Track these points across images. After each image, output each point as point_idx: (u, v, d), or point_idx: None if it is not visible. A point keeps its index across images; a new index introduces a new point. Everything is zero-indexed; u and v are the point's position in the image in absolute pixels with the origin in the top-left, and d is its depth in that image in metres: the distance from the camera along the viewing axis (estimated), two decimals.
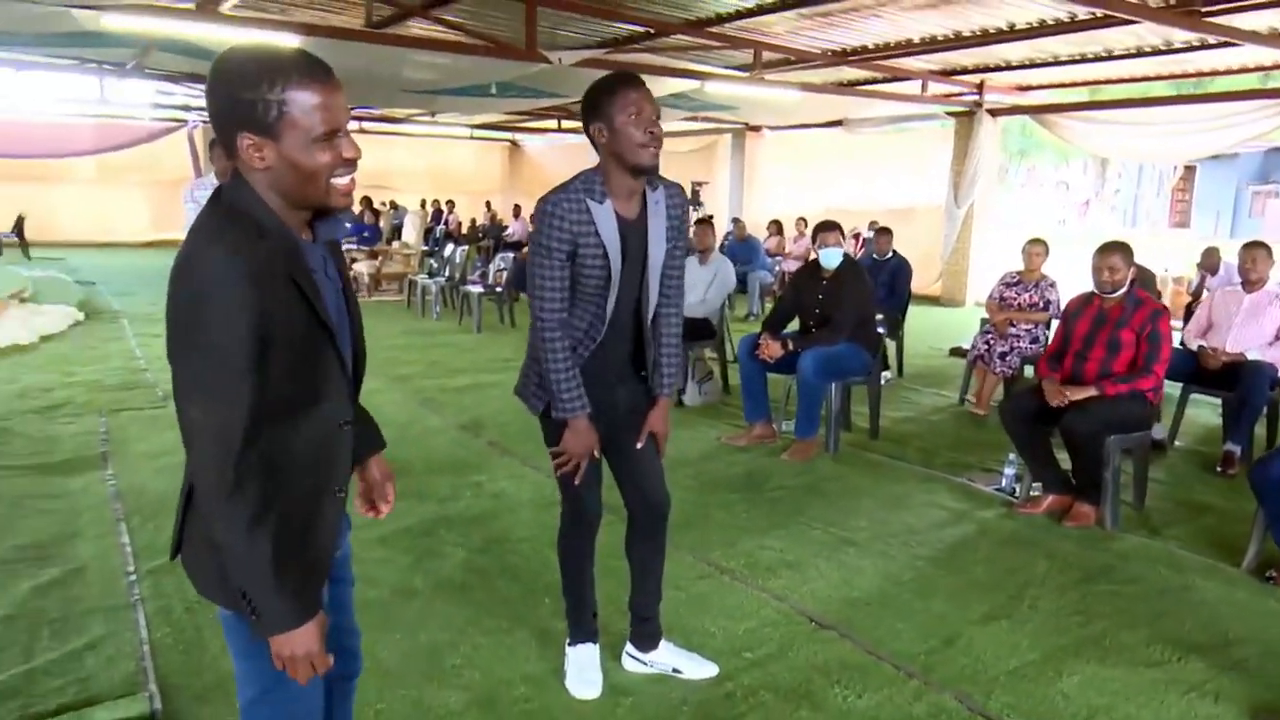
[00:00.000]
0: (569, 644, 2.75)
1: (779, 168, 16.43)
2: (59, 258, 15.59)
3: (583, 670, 2.68)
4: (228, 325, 1.30)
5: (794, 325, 5.50)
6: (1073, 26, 7.96)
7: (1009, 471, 4.55)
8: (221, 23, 6.71)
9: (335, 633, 1.61)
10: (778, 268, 12.05)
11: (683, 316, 2.58)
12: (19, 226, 15.67)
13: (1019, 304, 6.20)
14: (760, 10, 7.93)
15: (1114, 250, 4.23)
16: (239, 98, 1.34)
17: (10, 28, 7.17)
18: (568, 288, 2.32)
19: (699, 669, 2.74)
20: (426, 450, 5.08)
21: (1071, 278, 6.46)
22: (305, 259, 1.44)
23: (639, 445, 2.52)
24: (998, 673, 2.82)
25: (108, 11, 6.51)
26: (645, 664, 2.75)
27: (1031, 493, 4.36)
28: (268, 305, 1.33)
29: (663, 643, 2.78)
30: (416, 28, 8.95)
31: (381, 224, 13.84)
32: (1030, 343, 6.09)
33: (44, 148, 17.64)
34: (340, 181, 1.43)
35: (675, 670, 2.73)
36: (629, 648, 2.78)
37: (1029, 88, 11.80)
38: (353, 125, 19.70)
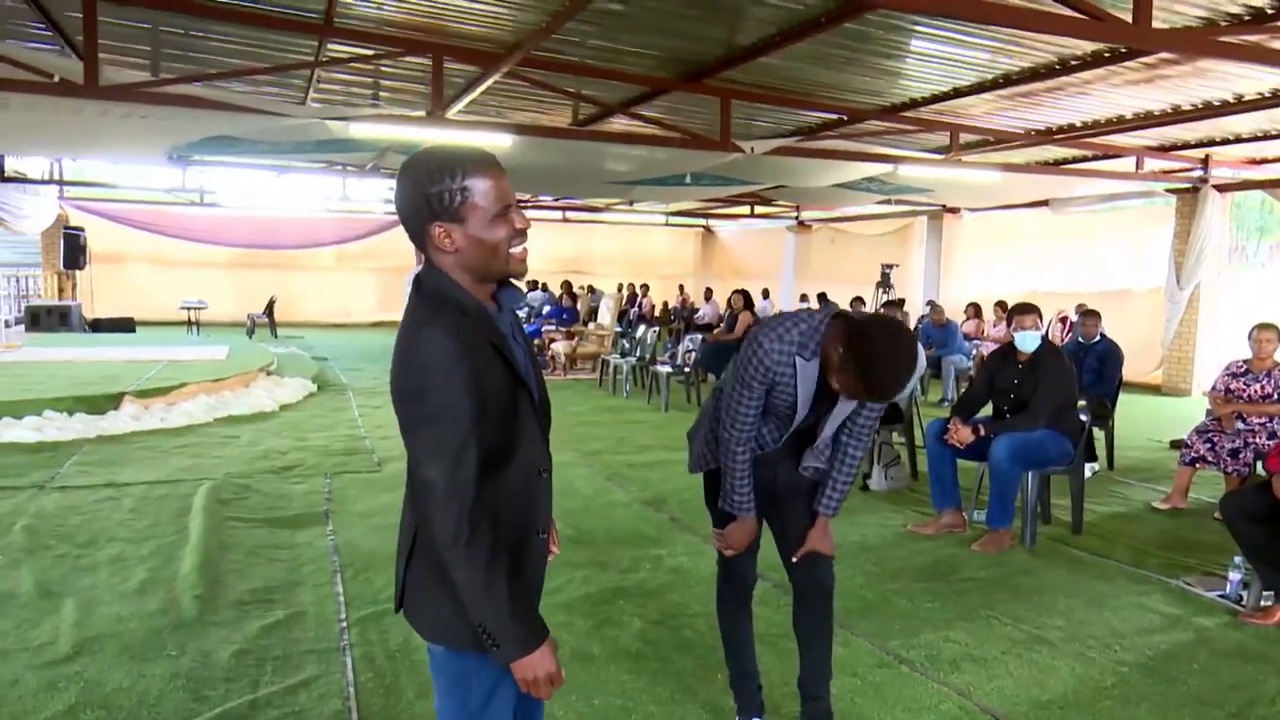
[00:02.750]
0: (738, 719, 2.75)
1: (979, 250, 15.91)
2: (299, 336, 17.44)
3: None
4: (453, 394, 1.50)
5: (988, 411, 5.30)
6: None
7: (1235, 576, 4.11)
8: (448, 126, 7.47)
9: None
10: (975, 352, 11.58)
11: (866, 449, 2.69)
12: (270, 308, 17.71)
13: (1248, 395, 5.65)
14: (957, 94, 7.87)
15: None
16: (428, 192, 1.55)
17: (275, 138, 8.30)
18: (761, 413, 2.51)
19: None
20: (610, 522, 5.25)
21: None
22: (499, 327, 1.63)
23: (794, 560, 2.66)
24: None
25: (355, 122, 7.43)
26: None
27: (1262, 602, 3.92)
28: (480, 372, 1.53)
29: None
30: (617, 124, 9.54)
31: (579, 306, 14.54)
32: (1267, 438, 5.52)
33: (294, 240, 20.03)
34: (516, 250, 1.62)
35: None
36: None
37: (1264, 161, 10.88)
38: (556, 214, 20.85)
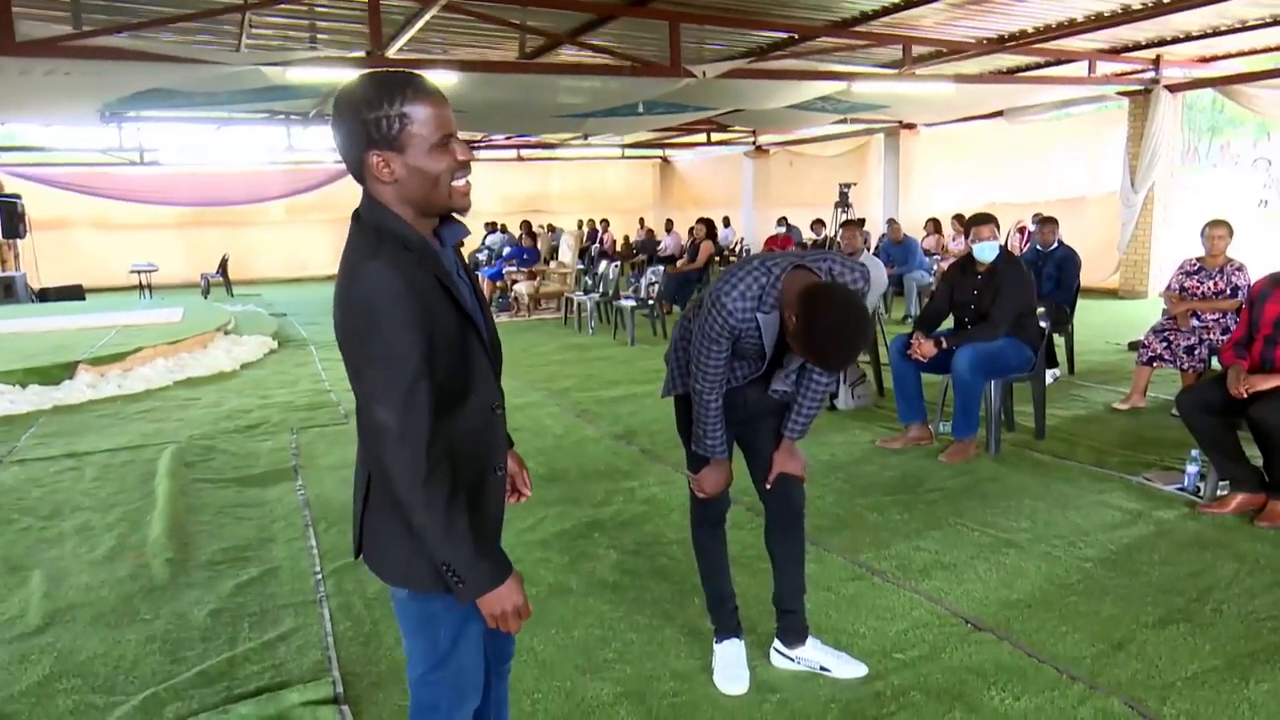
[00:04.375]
0: (715, 641, 2.80)
1: (937, 165, 15.89)
2: (256, 293, 17.11)
3: (729, 666, 2.72)
4: (399, 332, 1.45)
5: (950, 323, 5.34)
6: None
7: (1191, 469, 4.22)
8: (390, 66, 7.22)
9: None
10: (935, 268, 11.64)
11: (833, 376, 2.67)
12: (223, 267, 17.31)
13: (1202, 293, 5.73)
14: (907, 4, 7.76)
15: None
16: (365, 118, 1.48)
17: (211, 88, 8.00)
18: (729, 361, 2.50)
19: (847, 668, 2.72)
20: (582, 458, 5.26)
21: (1272, 263, 5.92)
22: (443, 263, 1.57)
23: (768, 486, 2.69)
24: (1174, 678, 2.63)
25: (292, 67, 7.17)
26: (792, 660, 2.76)
27: (1219, 492, 4.03)
28: (426, 308, 1.48)
29: (810, 640, 2.77)
30: (566, 55, 9.31)
31: (539, 245, 14.37)
32: (1221, 333, 5.61)
33: (241, 195, 19.48)
34: (459, 183, 1.56)
35: (823, 668, 2.72)
36: (776, 643, 2.80)
37: (1214, 58, 10.89)
38: (510, 153, 20.38)
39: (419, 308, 1.46)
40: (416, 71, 1.54)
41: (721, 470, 2.65)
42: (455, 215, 1.61)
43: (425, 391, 1.47)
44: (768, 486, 2.68)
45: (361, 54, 7.76)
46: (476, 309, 1.63)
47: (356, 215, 1.57)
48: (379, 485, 1.59)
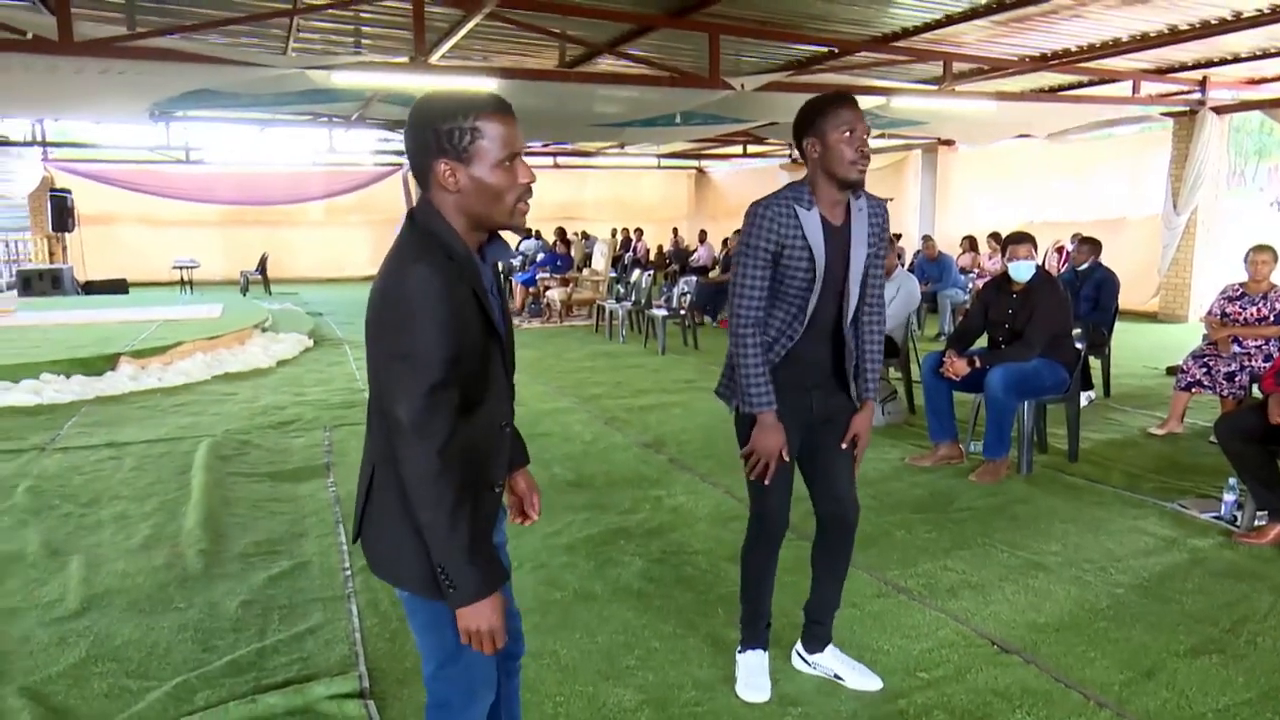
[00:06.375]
0: (740, 650, 2.79)
1: (975, 182, 15.76)
2: (294, 292, 17.35)
3: (752, 675, 2.72)
4: (432, 333, 1.50)
5: (983, 342, 5.30)
6: None
7: (1229, 498, 4.15)
8: (432, 73, 7.33)
9: None
10: (971, 286, 11.54)
11: (884, 325, 2.62)
12: (262, 265, 17.59)
13: (1244, 319, 5.64)
14: (949, 21, 7.72)
15: None
16: (439, 128, 1.55)
17: (257, 90, 8.16)
18: (767, 289, 2.44)
19: (861, 680, 2.71)
20: (610, 465, 5.28)
21: None
22: (482, 279, 1.62)
23: (843, 446, 2.59)
24: (1204, 709, 2.59)
25: (337, 70, 7.30)
26: (809, 665, 2.77)
27: (1256, 521, 3.96)
28: (459, 316, 1.53)
29: (830, 648, 2.78)
30: (605, 64, 9.37)
31: (573, 253, 14.44)
32: (1263, 360, 5.52)
33: (282, 195, 19.80)
34: (522, 205, 1.62)
35: (837, 677, 2.72)
36: (798, 646, 2.82)
37: (1262, 80, 10.70)
38: (547, 160, 20.54)
39: (452, 314, 1.51)
40: (495, 92, 1.60)
41: (774, 430, 2.45)
42: (503, 234, 1.67)
43: (445, 393, 1.52)
44: (842, 446, 2.58)
45: (405, 60, 7.88)
46: (505, 329, 1.68)
47: (410, 216, 1.63)
48: (382, 480, 1.63)
